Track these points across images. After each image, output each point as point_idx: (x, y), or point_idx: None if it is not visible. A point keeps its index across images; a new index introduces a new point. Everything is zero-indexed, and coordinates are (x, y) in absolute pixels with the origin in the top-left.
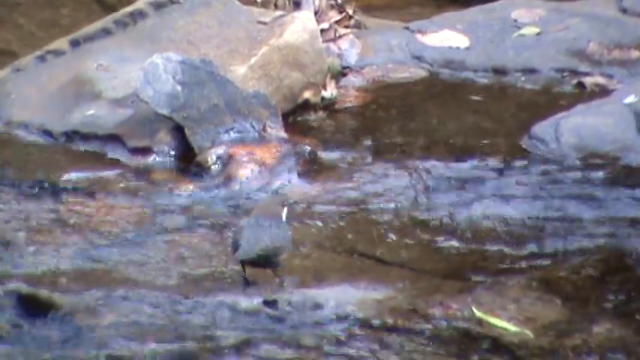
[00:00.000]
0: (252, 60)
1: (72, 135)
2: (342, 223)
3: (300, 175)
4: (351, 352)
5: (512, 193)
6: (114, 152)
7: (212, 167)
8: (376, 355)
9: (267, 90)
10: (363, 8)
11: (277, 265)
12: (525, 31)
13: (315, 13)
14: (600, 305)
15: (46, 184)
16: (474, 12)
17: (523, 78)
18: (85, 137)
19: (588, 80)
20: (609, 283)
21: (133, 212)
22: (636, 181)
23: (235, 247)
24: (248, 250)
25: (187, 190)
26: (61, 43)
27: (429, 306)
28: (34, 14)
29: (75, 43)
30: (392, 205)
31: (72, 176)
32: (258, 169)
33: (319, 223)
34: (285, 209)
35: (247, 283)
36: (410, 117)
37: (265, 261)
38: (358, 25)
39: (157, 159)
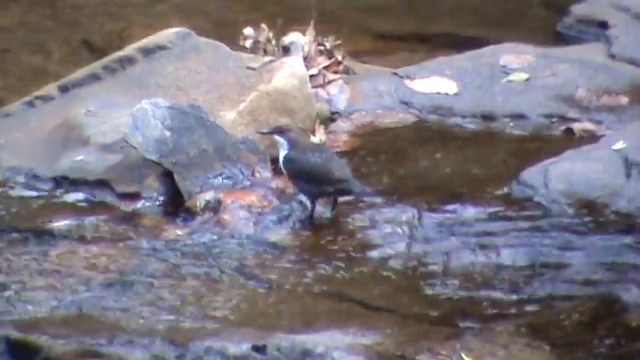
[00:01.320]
0: (241, 105)
1: (61, 180)
2: (331, 269)
3: (289, 220)
4: None
5: (500, 239)
6: (102, 197)
7: (201, 213)
8: None
9: (256, 136)
10: (352, 54)
11: None
12: (514, 77)
13: (304, 58)
14: (589, 351)
15: (35, 230)
16: (462, 58)
17: (512, 124)
18: (74, 182)
19: (577, 126)
20: (598, 328)
21: (121, 258)
22: (625, 227)
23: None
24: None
25: (176, 235)
26: (50, 88)
27: (418, 352)
28: (23, 60)
29: (64, 89)
30: (381, 251)
31: (60, 222)
32: (247, 214)
33: (308, 268)
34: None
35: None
36: (399, 162)
37: None
38: (347, 71)
39: (146, 204)
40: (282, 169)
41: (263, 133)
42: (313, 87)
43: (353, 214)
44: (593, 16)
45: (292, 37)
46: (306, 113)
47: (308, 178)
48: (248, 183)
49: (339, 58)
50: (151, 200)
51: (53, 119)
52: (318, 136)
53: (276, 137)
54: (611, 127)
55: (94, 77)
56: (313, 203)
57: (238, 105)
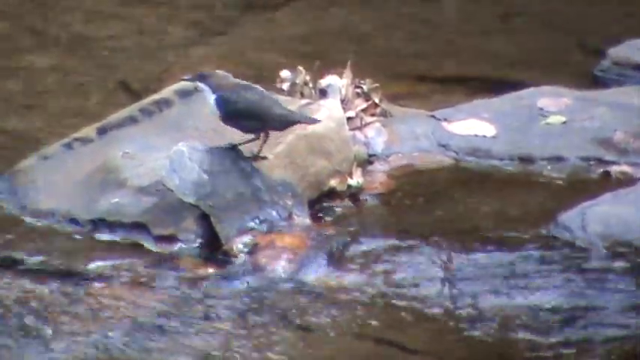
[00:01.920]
0: (279, 148)
1: (98, 223)
2: (367, 311)
3: (326, 263)
4: None
5: (538, 281)
6: (139, 240)
7: (238, 256)
8: None
9: (293, 178)
10: (389, 96)
11: None
12: (551, 119)
13: (342, 101)
14: None
15: (71, 271)
16: (500, 100)
17: (549, 166)
18: (111, 225)
19: (614, 169)
20: None
21: (157, 301)
22: None
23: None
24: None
25: (213, 278)
26: (88, 130)
27: None
28: (61, 102)
29: (102, 131)
30: (418, 293)
31: (97, 264)
32: (284, 257)
33: (345, 311)
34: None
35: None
36: (436, 205)
37: None
38: (384, 114)
39: (183, 247)
40: (217, 111)
41: (185, 80)
42: (350, 129)
43: (389, 255)
44: (631, 59)
45: (329, 80)
46: (344, 156)
47: (246, 114)
48: (285, 225)
49: (377, 100)
50: (187, 243)
51: (91, 161)
52: (356, 178)
53: (200, 84)
54: None
55: (132, 120)
56: (259, 138)
57: (275, 147)
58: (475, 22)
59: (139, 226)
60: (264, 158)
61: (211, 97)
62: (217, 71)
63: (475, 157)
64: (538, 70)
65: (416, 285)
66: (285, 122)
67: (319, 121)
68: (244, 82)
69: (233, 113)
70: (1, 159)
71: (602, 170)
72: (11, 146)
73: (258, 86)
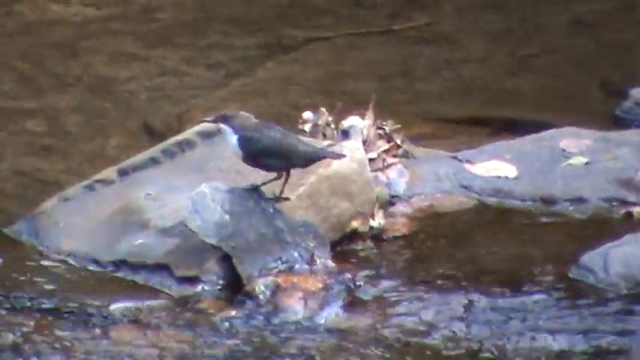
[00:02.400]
0: (301, 189)
1: (120, 264)
2: (389, 354)
3: (347, 304)
4: None
5: (560, 323)
6: (162, 281)
7: (260, 297)
8: None
9: (316, 219)
10: (411, 138)
11: None
12: (573, 160)
13: (364, 142)
14: None
15: (93, 312)
16: (522, 142)
17: (571, 207)
18: (133, 266)
19: (637, 210)
20: None
21: (179, 342)
22: None
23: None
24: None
25: (235, 320)
26: (109, 172)
27: None
28: (82, 144)
29: (123, 173)
30: (439, 335)
31: (119, 305)
32: (306, 299)
33: (367, 354)
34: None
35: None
36: (458, 246)
37: None
38: (406, 155)
39: (205, 288)
40: (239, 151)
41: (207, 121)
42: (372, 171)
43: (410, 297)
44: None
45: (351, 121)
46: (366, 197)
47: (271, 153)
48: (307, 267)
49: (399, 141)
50: (210, 284)
51: (112, 203)
52: (378, 220)
53: (222, 125)
54: None
55: (154, 161)
56: (282, 177)
57: (298, 189)
58: (496, 63)
59: (162, 268)
60: (287, 199)
61: (233, 138)
62: (239, 112)
63: (497, 199)
64: (560, 111)
65: (436, 327)
66: (309, 158)
67: (344, 155)
68: (266, 122)
69: (256, 152)
70: (23, 200)
71: (624, 211)
72: (33, 188)
73: (279, 127)
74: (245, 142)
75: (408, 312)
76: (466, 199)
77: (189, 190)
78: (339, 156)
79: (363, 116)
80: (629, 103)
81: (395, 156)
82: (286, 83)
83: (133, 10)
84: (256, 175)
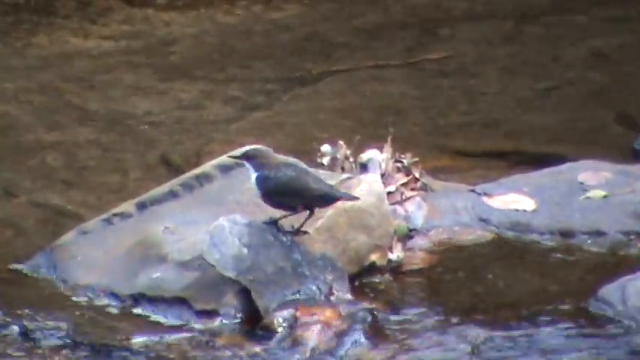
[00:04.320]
0: (319, 222)
1: (138, 298)
2: None
3: (366, 338)
4: None
5: (577, 356)
6: (180, 315)
7: (278, 330)
8: None
9: (334, 252)
10: (429, 171)
11: None
12: (592, 194)
13: (382, 175)
14: None
15: (112, 346)
16: (540, 175)
17: (589, 240)
18: (152, 300)
19: None
20: None
21: None
22: None
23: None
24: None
25: (253, 353)
26: (128, 206)
27: None
28: (100, 177)
29: (141, 206)
30: None
31: (140, 339)
32: (324, 332)
33: None
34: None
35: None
36: (476, 279)
37: None
38: (424, 188)
39: (224, 321)
40: (257, 190)
41: (231, 157)
42: (391, 204)
43: (429, 330)
44: None
45: (370, 154)
46: (384, 230)
47: (285, 192)
48: (325, 300)
49: (417, 175)
50: (228, 317)
51: (131, 236)
52: (396, 253)
53: (245, 163)
54: None
55: (172, 194)
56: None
57: (316, 222)
58: (514, 96)
59: (180, 301)
60: (306, 233)
61: (253, 176)
62: (261, 148)
63: (515, 232)
64: (577, 144)
65: None
66: (325, 199)
67: (358, 198)
68: (286, 160)
69: (270, 191)
70: (42, 234)
71: None
72: (51, 221)
73: (299, 162)
74: (261, 181)
75: (427, 345)
76: (484, 232)
77: (208, 223)
78: (353, 198)
79: (381, 149)
80: None
81: (413, 189)
82: (304, 116)
83: (151, 43)
84: (274, 209)
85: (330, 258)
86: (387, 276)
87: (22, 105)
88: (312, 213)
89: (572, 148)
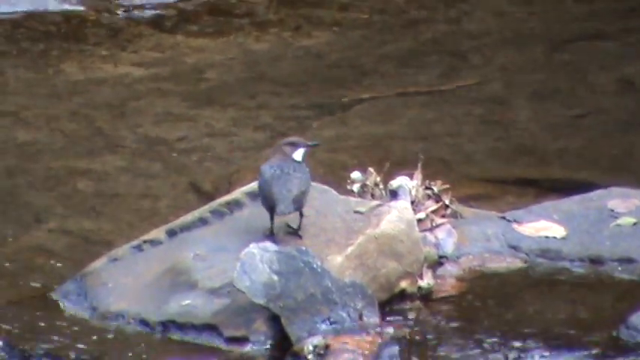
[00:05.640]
0: (349, 249)
1: (168, 325)
2: None
3: None
4: None
5: None
6: (210, 342)
7: (309, 357)
8: None
9: (364, 279)
10: (460, 198)
11: (303, 206)
12: (622, 221)
13: (412, 202)
14: None
15: None
16: (570, 202)
17: (620, 268)
18: (182, 327)
19: None
20: None
21: None
22: None
23: (270, 203)
24: (286, 205)
25: None
26: (158, 232)
27: None
28: (131, 204)
29: (171, 233)
30: None
31: None
32: (354, 359)
33: None
34: (302, 149)
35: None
36: (507, 307)
37: (299, 207)
38: (455, 215)
39: (254, 348)
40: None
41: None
42: (421, 231)
43: (459, 358)
44: None
45: (400, 181)
46: (414, 257)
47: (259, 191)
48: (355, 327)
49: (447, 202)
50: (258, 344)
51: (161, 263)
52: (426, 280)
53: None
54: None
55: (202, 221)
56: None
57: (346, 249)
58: (544, 122)
59: (210, 328)
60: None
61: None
62: (292, 143)
63: (545, 259)
64: (608, 171)
65: None
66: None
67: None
68: (294, 160)
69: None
70: (72, 261)
71: None
72: (81, 248)
73: (301, 168)
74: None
75: None
76: (514, 259)
77: (238, 250)
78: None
79: (411, 176)
80: None
81: (443, 216)
82: (334, 143)
83: (181, 70)
84: (305, 235)
85: (360, 285)
86: (418, 303)
87: (52, 132)
88: (301, 215)
89: (602, 175)
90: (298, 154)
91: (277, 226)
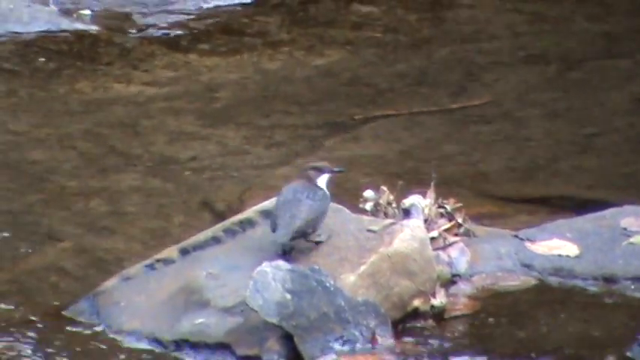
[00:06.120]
0: (362, 268)
1: (181, 343)
2: None
3: None
4: None
5: None
6: None
7: None
8: None
9: (377, 298)
10: (472, 216)
11: (314, 231)
12: (635, 239)
13: (425, 221)
14: None
15: None
16: (583, 220)
17: (633, 286)
18: (195, 346)
19: None
20: None
21: None
22: None
23: (273, 227)
24: (285, 233)
25: None
26: (171, 251)
27: None
28: (143, 223)
29: (184, 252)
30: None
31: None
32: None
33: None
34: (326, 175)
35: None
36: (520, 326)
37: (303, 234)
38: (467, 234)
39: None
40: None
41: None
42: (434, 249)
43: None
44: None
45: (412, 200)
46: (427, 276)
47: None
48: (368, 346)
49: (460, 220)
50: None
51: (174, 282)
52: (439, 299)
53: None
54: None
55: (215, 240)
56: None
57: (359, 268)
58: (558, 141)
59: (223, 347)
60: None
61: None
62: (316, 169)
63: (558, 277)
64: (621, 190)
65: None
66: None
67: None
68: (311, 184)
69: None
70: (85, 280)
71: None
72: (94, 267)
73: (316, 192)
74: None
75: None
76: (528, 277)
77: (251, 269)
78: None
79: (424, 195)
80: None
81: (456, 235)
82: (347, 162)
83: (194, 88)
84: (317, 254)
85: (373, 304)
86: (431, 322)
87: (65, 150)
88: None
89: (615, 193)
90: (323, 180)
91: (290, 244)
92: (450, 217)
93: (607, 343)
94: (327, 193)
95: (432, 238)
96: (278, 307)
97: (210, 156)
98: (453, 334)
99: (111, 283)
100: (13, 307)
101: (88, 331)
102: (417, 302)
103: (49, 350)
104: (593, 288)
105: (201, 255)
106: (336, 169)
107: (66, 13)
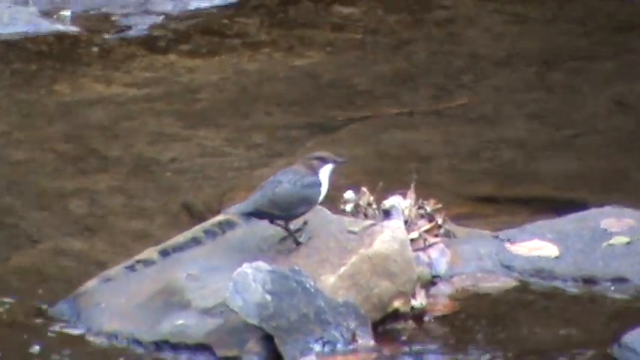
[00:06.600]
0: (342, 269)
1: (161, 345)
2: None
3: None
4: None
5: None
6: None
7: None
8: None
9: (357, 299)
10: (453, 217)
11: (288, 219)
12: (615, 240)
13: (405, 222)
14: None
15: None
16: (563, 221)
17: (613, 287)
18: (175, 347)
19: None
20: None
21: None
22: None
23: None
24: (245, 206)
25: None
26: (151, 252)
27: None
28: (124, 224)
29: (164, 253)
30: None
31: None
32: None
33: None
34: (329, 165)
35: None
36: (500, 327)
37: (267, 215)
38: (448, 234)
39: None
40: None
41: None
42: (414, 250)
43: None
44: None
45: (393, 201)
46: (407, 277)
47: None
48: (348, 347)
49: (440, 221)
50: None
51: (154, 283)
52: (419, 300)
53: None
54: None
55: (195, 241)
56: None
57: (339, 269)
58: (537, 143)
59: (203, 348)
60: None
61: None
62: (318, 158)
63: (538, 278)
64: (601, 191)
65: None
66: None
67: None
68: (296, 170)
69: None
70: (65, 281)
71: None
72: (74, 268)
73: (298, 175)
74: None
75: None
76: (508, 278)
77: (231, 270)
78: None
79: (404, 196)
80: None
81: (436, 236)
82: None
83: (174, 90)
84: (297, 255)
85: (353, 305)
86: (411, 322)
87: (45, 152)
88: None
89: (595, 194)
90: (325, 170)
91: (269, 244)
92: (430, 218)
93: (587, 343)
94: (322, 182)
95: (412, 239)
96: (258, 309)
97: (191, 157)
98: (433, 335)
99: (91, 284)
100: None
101: (68, 333)
102: (397, 303)
103: (29, 351)
104: (573, 289)
105: (181, 256)
106: (339, 160)
107: (46, 14)
